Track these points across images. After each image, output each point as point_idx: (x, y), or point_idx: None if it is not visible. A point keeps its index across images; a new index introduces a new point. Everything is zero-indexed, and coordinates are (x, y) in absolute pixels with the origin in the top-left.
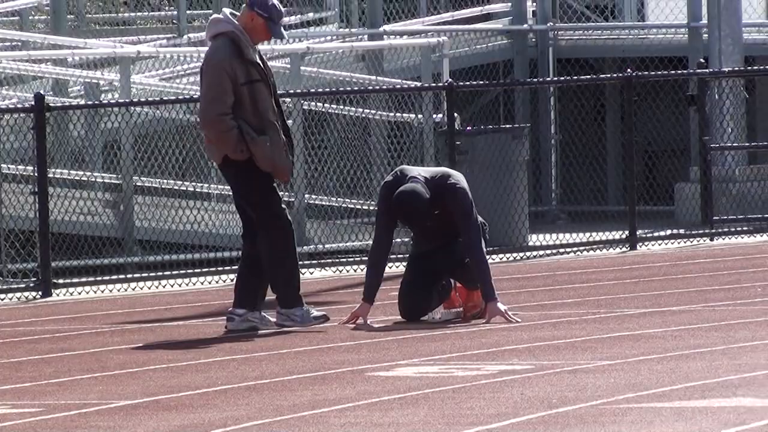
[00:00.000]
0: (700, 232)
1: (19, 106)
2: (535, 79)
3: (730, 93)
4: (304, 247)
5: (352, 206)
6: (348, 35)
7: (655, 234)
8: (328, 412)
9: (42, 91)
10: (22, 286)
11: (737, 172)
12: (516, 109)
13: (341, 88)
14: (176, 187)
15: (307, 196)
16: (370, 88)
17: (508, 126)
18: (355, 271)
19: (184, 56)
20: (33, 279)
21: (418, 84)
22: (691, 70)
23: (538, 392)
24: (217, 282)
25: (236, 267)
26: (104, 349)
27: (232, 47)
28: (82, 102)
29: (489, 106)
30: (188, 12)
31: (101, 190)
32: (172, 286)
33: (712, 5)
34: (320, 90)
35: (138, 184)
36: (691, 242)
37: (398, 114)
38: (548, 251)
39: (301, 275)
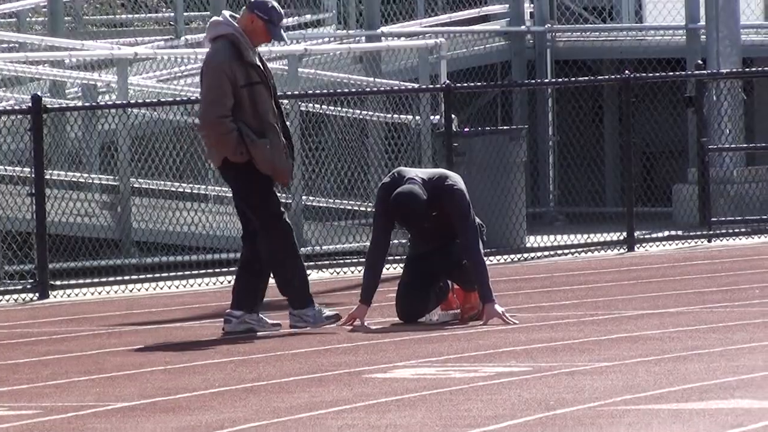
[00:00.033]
0: (698, 233)
1: (16, 107)
2: (533, 81)
3: (728, 94)
4: (302, 249)
5: (350, 208)
6: (345, 37)
7: (653, 235)
8: (325, 414)
9: (39, 93)
10: (19, 287)
11: (735, 174)
12: (514, 111)
13: (339, 90)
14: (174, 189)
15: (304, 197)
16: (368, 89)
17: (505, 127)
18: (352, 272)
19: (182, 58)
20: (30, 281)
21: (416, 85)
22: (689, 72)
23: (535, 394)
24: (214, 284)
25: (234, 269)
26: (101, 351)
27: (231, 49)
28: (80, 103)
29: (487, 108)
30: (185, 14)
31: (98, 191)
32: (169, 288)
33: (710, 7)
34: (318, 91)
35: (135, 185)
36: (689, 244)
37: (396, 115)
38: (546, 253)
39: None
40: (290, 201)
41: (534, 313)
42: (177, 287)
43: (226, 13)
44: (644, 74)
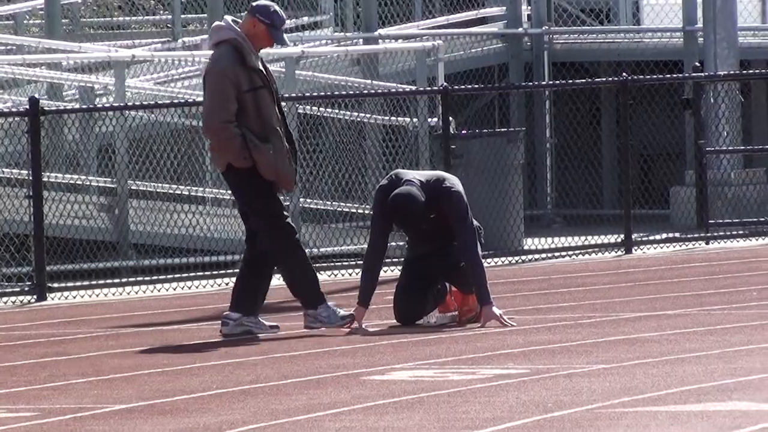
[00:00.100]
0: (696, 235)
1: (13, 109)
2: (530, 83)
3: (726, 97)
4: None
5: (347, 210)
6: (343, 39)
7: (651, 238)
8: (323, 416)
9: (37, 95)
10: (17, 290)
11: (733, 176)
12: (511, 113)
13: (336, 92)
14: (171, 191)
15: (302, 199)
16: (365, 92)
17: (503, 130)
18: (350, 275)
19: (179, 60)
20: (28, 283)
21: (414, 88)
22: (687, 74)
23: (533, 396)
24: (212, 286)
25: (231, 270)
26: (99, 353)
27: (234, 54)
28: (77, 106)
29: (484, 110)
30: (183, 16)
31: (96, 193)
32: (167, 290)
33: (707, 9)
34: (315, 94)
35: (133, 187)
36: (687, 246)
37: (393, 118)
38: (543, 255)
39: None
40: (288, 203)
41: (532, 316)
42: (174, 289)
43: (229, 18)
44: (641, 76)
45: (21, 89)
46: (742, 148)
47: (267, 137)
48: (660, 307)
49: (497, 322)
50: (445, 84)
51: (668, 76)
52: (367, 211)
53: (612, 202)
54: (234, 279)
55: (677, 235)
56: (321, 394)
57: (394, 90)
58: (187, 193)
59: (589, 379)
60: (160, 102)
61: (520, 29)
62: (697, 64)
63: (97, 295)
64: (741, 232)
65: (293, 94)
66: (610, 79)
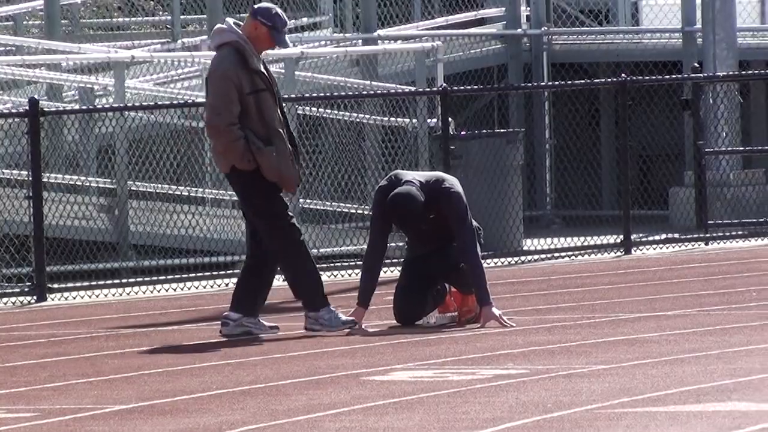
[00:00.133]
0: (695, 236)
1: (13, 110)
2: (530, 84)
3: (725, 97)
4: None
5: (347, 211)
6: (342, 40)
7: (650, 238)
8: (323, 416)
9: (36, 96)
10: (17, 290)
11: (732, 177)
12: (510, 114)
13: (335, 93)
14: (171, 192)
15: (301, 200)
16: (365, 92)
17: (502, 130)
18: (349, 275)
19: (179, 61)
20: (28, 284)
21: (413, 89)
22: (686, 75)
23: (533, 397)
24: (212, 286)
25: (231, 271)
26: (99, 353)
27: (236, 57)
28: (77, 107)
29: (483, 111)
30: (182, 17)
31: (96, 194)
32: (167, 291)
33: (706, 10)
34: (314, 95)
35: (132, 188)
36: (686, 246)
37: (393, 118)
38: (543, 256)
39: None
40: (288, 204)
41: (531, 316)
42: (174, 290)
43: (230, 20)
44: (641, 77)
45: (21, 90)
46: (741, 148)
47: (270, 139)
48: (659, 307)
49: (497, 322)
50: (444, 85)
51: (667, 76)
52: (366, 212)
53: (611, 202)
54: (234, 279)
55: (676, 235)
56: (321, 395)
57: (393, 91)
58: (186, 193)
59: (588, 380)
60: (159, 103)
61: (519, 30)
62: (696, 64)
63: (97, 296)
64: (740, 232)
65: (292, 95)
66: (609, 79)
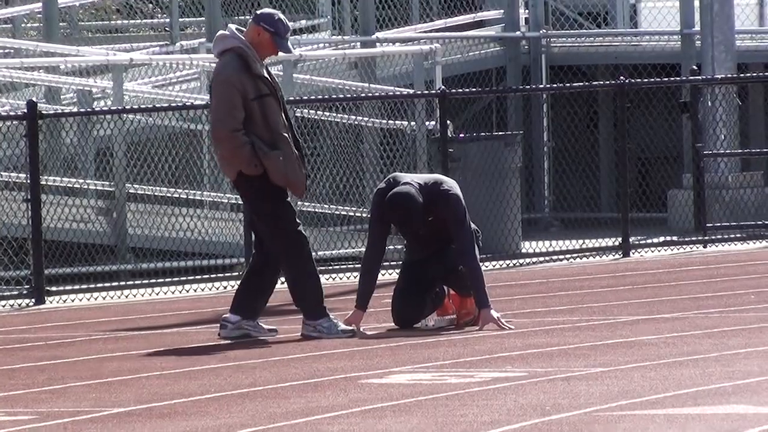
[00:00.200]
0: (693, 239)
1: (11, 113)
2: (528, 87)
3: (723, 100)
4: None
5: (345, 213)
6: (340, 42)
7: (648, 241)
8: (321, 419)
9: (34, 99)
10: (15, 293)
11: (730, 179)
12: (509, 116)
13: (334, 96)
14: (169, 195)
15: (299, 203)
16: (363, 95)
17: (500, 133)
18: (348, 278)
19: (177, 64)
20: (26, 286)
21: (411, 91)
22: (684, 77)
23: (531, 399)
24: (210, 289)
25: (229, 274)
26: (98, 356)
27: (239, 62)
28: (75, 109)
29: (482, 113)
30: (181, 20)
31: (94, 197)
32: (165, 294)
33: (704, 12)
34: (313, 97)
35: (131, 191)
36: (684, 249)
37: (391, 121)
38: (541, 258)
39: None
40: None
41: (529, 319)
42: (173, 293)
43: (233, 26)
44: (639, 80)
45: (19, 93)
46: (740, 151)
47: (275, 144)
48: (658, 310)
49: (495, 325)
50: (442, 87)
51: (666, 79)
52: (364, 215)
53: (609, 205)
54: (232, 282)
55: (675, 238)
56: (319, 398)
57: (391, 93)
58: (185, 196)
59: (587, 383)
60: (158, 105)
61: (518, 33)
62: (695, 67)
63: (96, 299)
64: (738, 235)
65: (291, 98)
66: (608, 82)
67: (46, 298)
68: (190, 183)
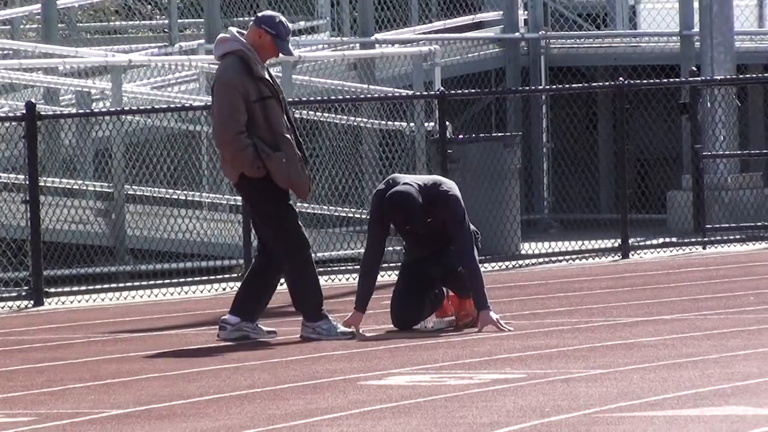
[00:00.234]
0: (693, 240)
1: (10, 114)
2: (527, 88)
3: (723, 101)
4: None
5: (344, 215)
6: (339, 44)
7: (648, 242)
8: (320, 421)
9: (33, 100)
10: (14, 295)
11: (729, 180)
12: (508, 118)
13: (333, 97)
14: (168, 196)
15: (298, 204)
16: (362, 96)
17: (500, 134)
18: (347, 279)
19: (176, 65)
20: (25, 288)
21: (410, 92)
22: (684, 79)
23: (530, 401)
24: (209, 291)
25: (228, 275)
26: (96, 358)
27: (241, 65)
28: (74, 110)
29: (481, 115)
30: (180, 21)
31: (93, 198)
32: (164, 295)
33: (704, 13)
34: (312, 98)
35: (130, 192)
36: (684, 251)
37: (390, 122)
38: (540, 260)
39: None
40: None
41: (529, 320)
42: (171, 294)
43: (233, 29)
44: (638, 81)
45: (18, 94)
46: (739, 152)
47: (278, 146)
48: (657, 311)
49: (494, 326)
50: (441, 89)
51: (665, 80)
52: (363, 216)
53: (609, 206)
54: (231, 283)
55: (674, 239)
56: (318, 399)
57: (390, 95)
58: (184, 197)
59: (586, 384)
60: (156, 107)
61: (517, 34)
62: (694, 68)
63: (94, 300)
64: (738, 236)
65: (290, 99)
66: (607, 83)
67: (44, 299)
68: (189, 184)
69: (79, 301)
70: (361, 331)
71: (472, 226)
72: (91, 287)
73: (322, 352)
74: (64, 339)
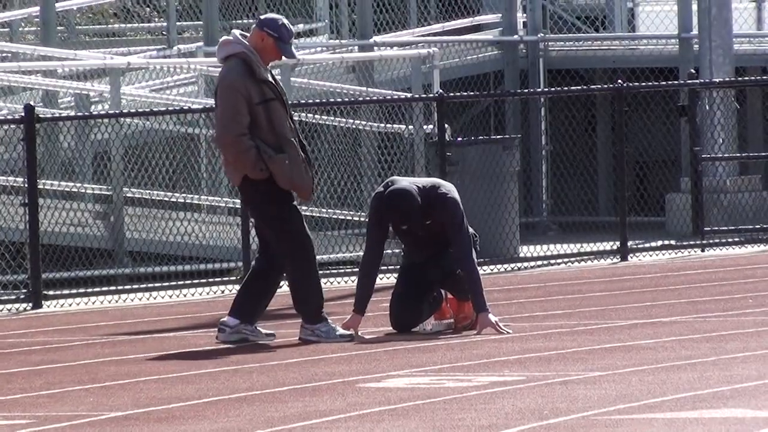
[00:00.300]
0: (691, 242)
1: (9, 117)
2: (526, 90)
3: (721, 104)
4: None
5: (343, 217)
6: (338, 46)
7: (646, 245)
8: (318, 423)
9: (32, 103)
10: (13, 297)
11: (728, 183)
12: (507, 120)
13: (332, 100)
14: (167, 199)
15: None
16: (361, 99)
17: (498, 137)
18: (346, 282)
19: (174, 68)
20: (23, 291)
21: (409, 95)
22: (682, 81)
23: (529, 403)
24: (207, 293)
25: (227, 278)
26: (95, 360)
27: (243, 67)
28: (72, 113)
29: (480, 117)
30: (178, 23)
31: (91, 201)
32: (162, 298)
33: (702, 16)
34: (310, 101)
35: (128, 195)
36: (682, 253)
37: (389, 125)
38: (539, 262)
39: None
40: None
41: (527, 323)
42: (170, 297)
43: (236, 31)
44: (637, 83)
45: (16, 97)
46: (738, 155)
47: (281, 148)
48: (655, 314)
49: (493, 329)
50: (440, 91)
51: (664, 83)
52: (362, 219)
53: (607, 209)
54: (229, 286)
55: (673, 242)
56: (317, 402)
57: (389, 97)
58: (182, 200)
59: (584, 386)
60: (155, 109)
61: (516, 36)
62: (693, 71)
63: (93, 303)
64: (736, 239)
65: (288, 102)
66: (606, 86)
67: (43, 302)
68: (188, 187)
69: (78, 304)
70: (359, 334)
71: (470, 229)
72: (89, 290)
73: (320, 354)
74: (63, 342)
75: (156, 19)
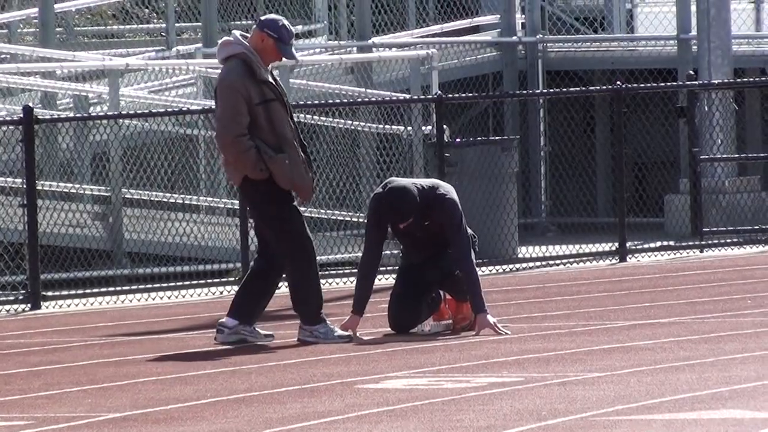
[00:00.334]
0: (690, 243)
1: (7, 118)
2: (525, 91)
3: (720, 105)
4: None
5: (341, 218)
6: (337, 48)
7: (645, 246)
8: (317, 424)
9: (31, 104)
10: (11, 298)
11: (727, 184)
12: (505, 121)
13: (330, 101)
14: (165, 200)
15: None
16: (359, 100)
17: (497, 138)
18: (344, 283)
19: (173, 69)
20: (22, 291)
21: (407, 96)
22: (681, 82)
23: (527, 404)
24: (206, 294)
25: (225, 279)
26: (93, 361)
27: (244, 68)
28: (71, 114)
29: (478, 118)
30: (177, 25)
31: (90, 202)
32: (161, 299)
33: (701, 17)
34: (309, 102)
35: (127, 196)
36: (681, 254)
37: (387, 126)
38: (538, 263)
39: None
40: None
41: (526, 324)
42: (169, 298)
43: (237, 32)
44: (636, 85)
45: (15, 98)
46: (737, 156)
47: (281, 148)
48: (654, 315)
49: (491, 330)
50: (439, 92)
51: (662, 84)
52: (361, 220)
53: (606, 210)
54: (229, 287)
55: (671, 243)
56: (315, 403)
57: (388, 98)
58: (181, 201)
59: (583, 388)
60: (154, 110)
61: (515, 38)
62: (691, 72)
63: (92, 304)
64: (735, 240)
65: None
66: (605, 87)
67: (42, 303)
68: (187, 188)
69: (77, 305)
70: (358, 335)
71: (469, 230)
72: (88, 291)
73: (319, 355)
74: (61, 342)
75: (155, 21)
